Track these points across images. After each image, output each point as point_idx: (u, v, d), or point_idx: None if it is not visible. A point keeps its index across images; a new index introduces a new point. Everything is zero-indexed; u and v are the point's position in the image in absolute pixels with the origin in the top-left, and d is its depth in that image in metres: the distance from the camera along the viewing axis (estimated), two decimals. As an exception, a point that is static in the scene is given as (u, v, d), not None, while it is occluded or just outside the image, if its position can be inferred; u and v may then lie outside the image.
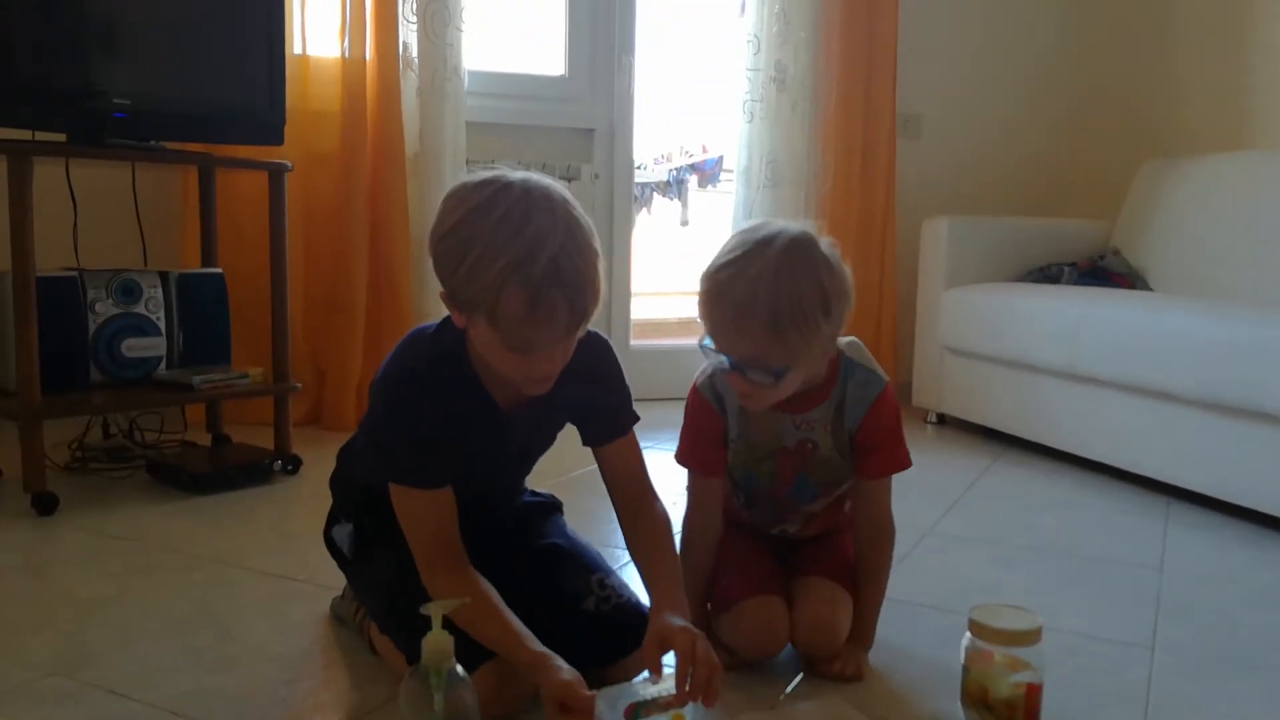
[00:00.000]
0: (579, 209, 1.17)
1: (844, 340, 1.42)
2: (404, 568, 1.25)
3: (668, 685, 1.11)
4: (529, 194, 1.13)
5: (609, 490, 1.40)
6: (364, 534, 1.40)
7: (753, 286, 1.22)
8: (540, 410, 1.32)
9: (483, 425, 1.29)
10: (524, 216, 1.11)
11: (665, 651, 1.17)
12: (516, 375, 1.19)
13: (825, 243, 1.28)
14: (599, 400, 1.36)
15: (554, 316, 1.11)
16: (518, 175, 1.15)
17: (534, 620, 1.27)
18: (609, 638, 1.30)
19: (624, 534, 1.38)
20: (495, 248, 1.09)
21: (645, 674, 1.16)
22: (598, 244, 1.17)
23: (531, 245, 1.09)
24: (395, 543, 1.27)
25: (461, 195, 1.15)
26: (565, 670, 1.14)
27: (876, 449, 1.41)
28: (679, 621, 1.20)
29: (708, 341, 1.30)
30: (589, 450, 1.39)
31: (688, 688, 1.12)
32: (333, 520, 1.47)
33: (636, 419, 1.39)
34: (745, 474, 1.46)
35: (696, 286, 1.29)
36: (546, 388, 1.22)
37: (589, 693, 1.12)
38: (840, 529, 1.54)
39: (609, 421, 1.37)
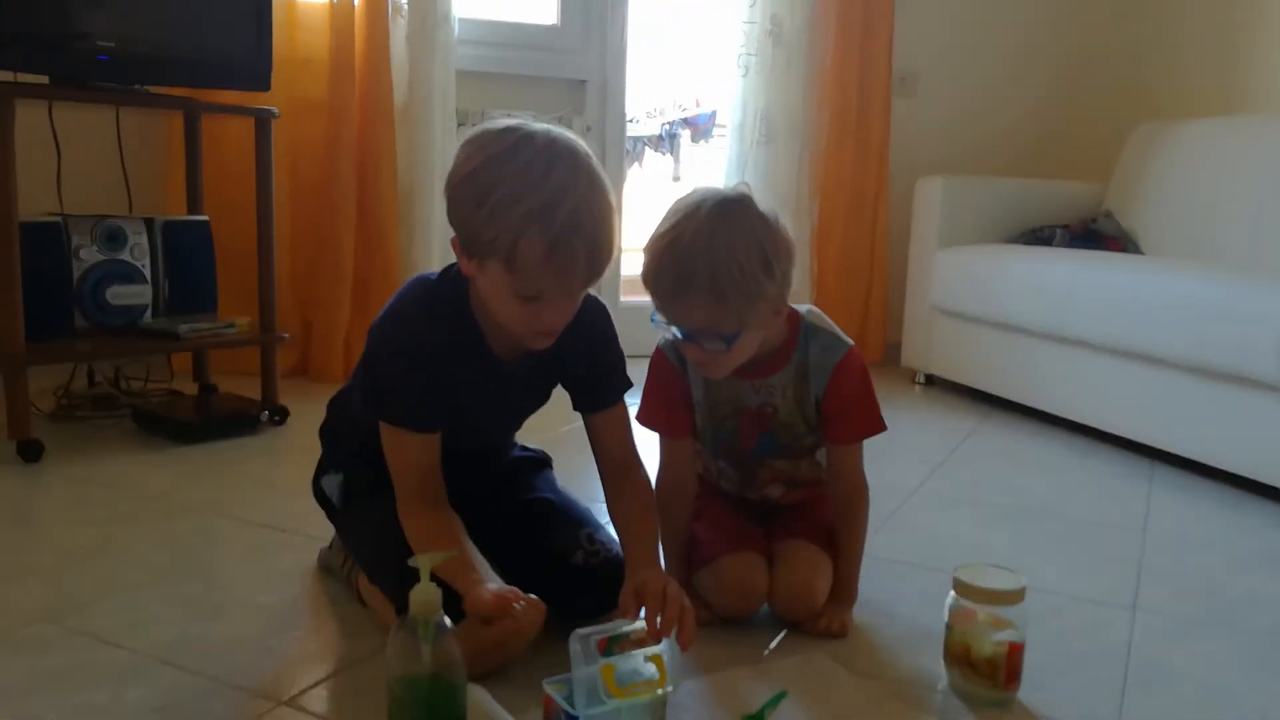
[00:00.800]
0: (599, 165, 1.17)
1: (803, 307, 1.41)
2: (394, 518, 1.26)
3: (643, 625, 1.12)
4: (553, 144, 1.14)
5: (595, 456, 1.40)
6: (353, 485, 1.40)
7: (689, 253, 1.21)
8: (538, 367, 1.32)
9: (480, 376, 1.29)
10: (548, 165, 1.11)
11: (641, 599, 1.18)
12: (522, 326, 1.19)
13: (761, 201, 1.27)
14: (595, 365, 1.35)
15: (572, 266, 1.12)
16: (540, 126, 1.16)
17: (523, 573, 1.29)
18: (597, 590, 1.31)
19: (606, 500, 1.38)
20: (518, 192, 1.10)
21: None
22: (615, 201, 1.17)
23: (555, 193, 1.10)
24: (385, 494, 1.28)
25: (482, 141, 1.16)
26: (482, 593, 1.15)
27: (843, 415, 1.39)
28: (654, 575, 1.22)
29: (656, 316, 1.29)
30: (575, 411, 1.39)
31: (658, 624, 1.13)
32: (321, 470, 1.47)
33: (629, 385, 1.39)
34: (713, 431, 1.46)
35: None
36: (549, 342, 1.22)
37: (509, 591, 1.15)
38: (821, 494, 1.55)
39: (601, 388, 1.37)
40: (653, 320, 1.30)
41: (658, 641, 1.10)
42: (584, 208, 1.11)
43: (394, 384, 1.24)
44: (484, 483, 1.42)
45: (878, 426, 1.42)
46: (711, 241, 1.20)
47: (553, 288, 1.14)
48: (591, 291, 1.29)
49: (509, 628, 1.15)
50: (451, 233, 1.19)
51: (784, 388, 1.39)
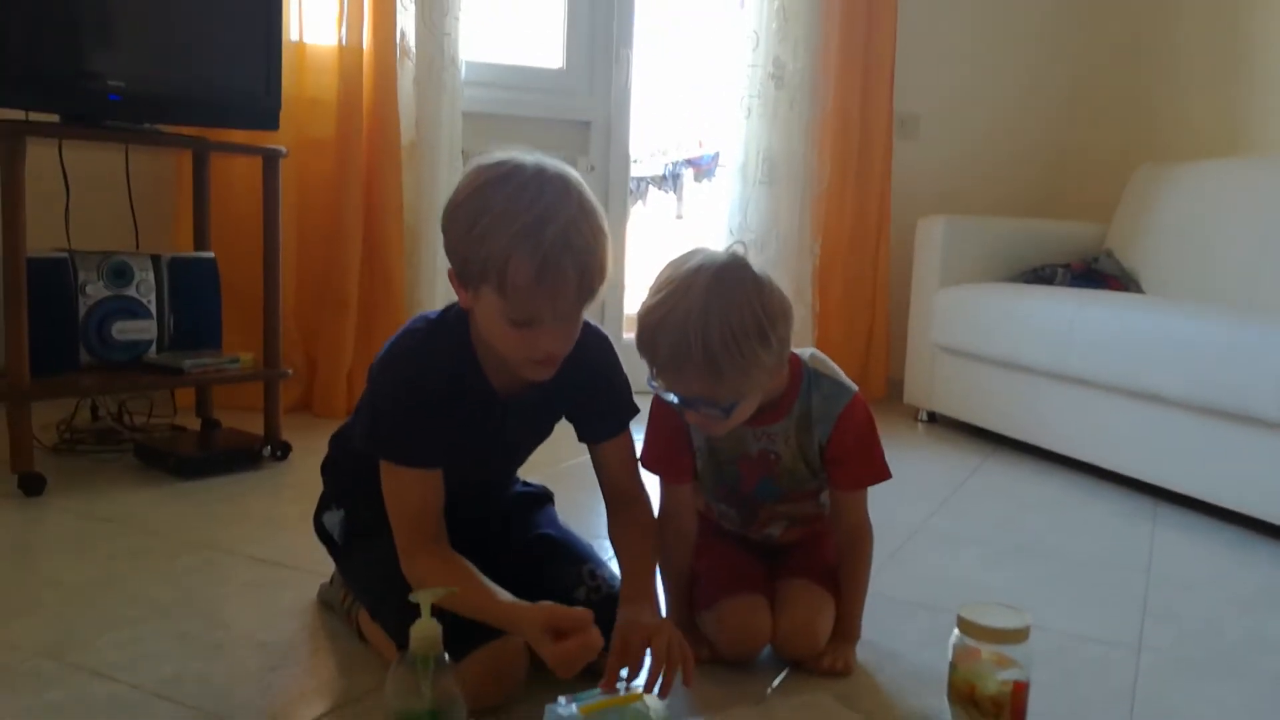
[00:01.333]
0: (590, 192, 1.18)
1: (805, 352, 1.40)
2: (396, 555, 1.26)
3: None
4: (543, 171, 1.15)
5: (600, 484, 1.40)
6: (355, 521, 1.40)
7: (683, 327, 1.19)
8: (538, 401, 1.32)
9: (479, 412, 1.29)
10: (538, 189, 1.13)
11: (624, 658, 1.18)
12: (519, 354, 1.19)
13: (755, 262, 1.26)
14: (597, 396, 1.36)
15: (562, 287, 1.12)
16: (531, 156, 1.17)
17: None
18: (599, 627, 1.30)
19: (609, 527, 1.38)
20: (508, 215, 1.11)
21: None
22: (607, 227, 1.18)
23: (544, 214, 1.11)
24: (387, 530, 1.27)
25: (476, 172, 1.18)
26: (541, 605, 1.16)
27: (847, 461, 1.39)
28: (646, 617, 1.21)
29: (653, 381, 1.28)
30: (580, 441, 1.39)
31: (639, 680, 1.14)
32: (323, 506, 1.47)
33: (635, 412, 1.39)
34: (714, 475, 1.45)
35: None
36: (550, 373, 1.22)
37: (580, 610, 1.15)
38: (824, 531, 1.54)
39: (605, 419, 1.37)
40: (649, 383, 1.30)
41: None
42: (573, 228, 1.12)
43: (393, 422, 1.24)
44: (485, 520, 1.42)
45: (882, 474, 1.41)
46: (706, 318, 1.18)
47: (546, 310, 1.14)
48: (592, 322, 1.30)
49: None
50: (449, 265, 1.20)
51: (786, 435, 1.38)
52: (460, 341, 1.26)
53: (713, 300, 1.19)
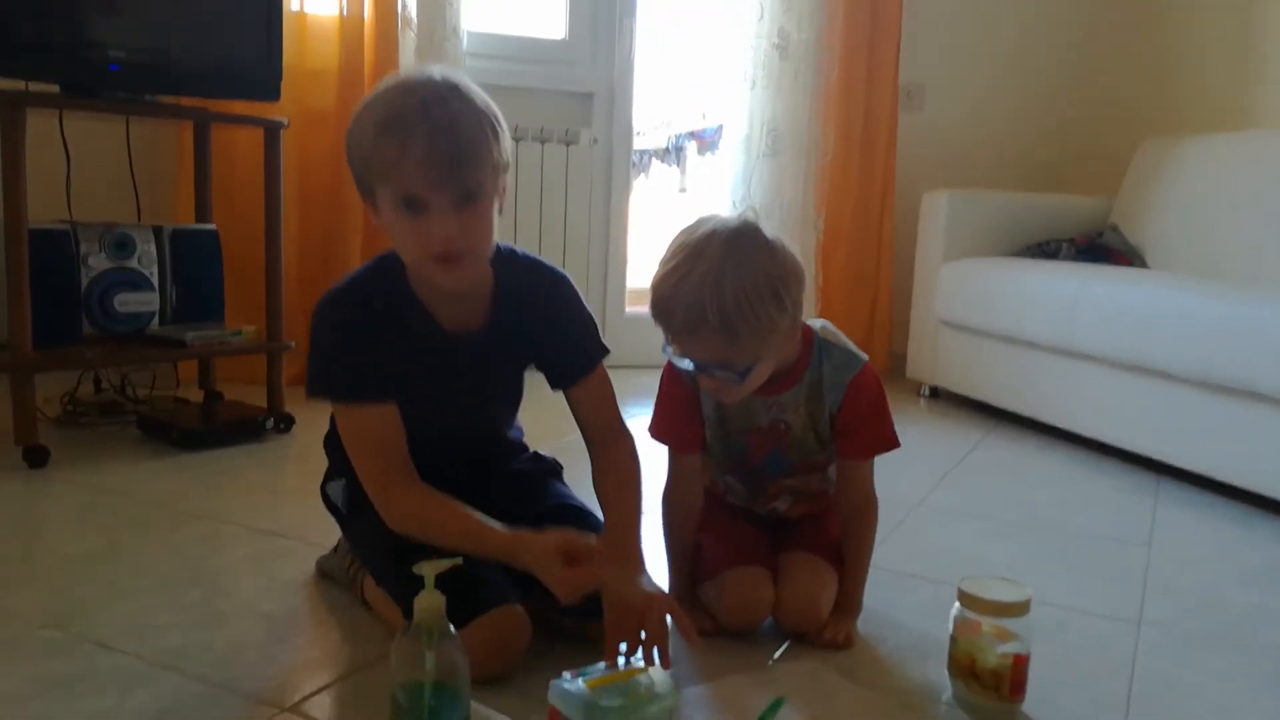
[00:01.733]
0: (478, 90, 1.21)
1: (817, 323, 1.41)
2: None
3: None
4: (426, 72, 1.21)
5: (581, 430, 1.40)
6: (356, 489, 1.40)
7: (698, 292, 1.19)
8: (494, 340, 1.33)
9: (425, 346, 1.29)
10: (406, 88, 1.18)
11: (624, 628, 1.18)
12: (419, 252, 1.20)
13: (767, 227, 1.26)
14: (560, 337, 1.36)
15: (431, 153, 1.13)
16: (434, 70, 1.22)
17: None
18: None
19: (592, 476, 1.39)
20: (374, 115, 1.17)
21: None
22: (496, 115, 1.22)
23: (403, 98, 1.16)
24: None
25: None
26: (547, 534, 1.18)
27: (857, 430, 1.39)
28: (631, 591, 1.22)
29: (668, 348, 1.29)
30: (554, 390, 1.40)
31: (637, 657, 1.17)
32: (328, 477, 1.48)
33: (605, 352, 1.39)
34: (722, 446, 1.45)
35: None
36: (457, 275, 1.21)
37: (591, 538, 1.17)
38: (829, 506, 1.54)
39: (572, 360, 1.37)
40: (664, 350, 1.30)
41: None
42: (434, 100, 1.15)
43: (334, 361, 1.25)
44: (489, 489, 1.42)
45: (891, 443, 1.41)
46: (720, 281, 1.19)
47: (421, 183, 1.15)
48: (557, 268, 1.35)
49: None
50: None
51: (796, 404, 1.38)
52: (396, 275, 1.28)
53: (726, 264, 1.20)
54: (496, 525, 1.22)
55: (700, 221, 1.27)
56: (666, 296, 1.23)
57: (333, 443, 1.48)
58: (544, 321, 1.35)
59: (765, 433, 1.41)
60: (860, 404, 1.38)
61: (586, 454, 1.41)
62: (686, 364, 1.28)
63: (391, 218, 1.20)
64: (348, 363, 1.25)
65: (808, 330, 1.38)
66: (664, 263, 1.26)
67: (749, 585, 1.38)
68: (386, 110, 1.16)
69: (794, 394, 1.38)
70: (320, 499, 1.49)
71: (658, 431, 1.44)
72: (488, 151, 1.19)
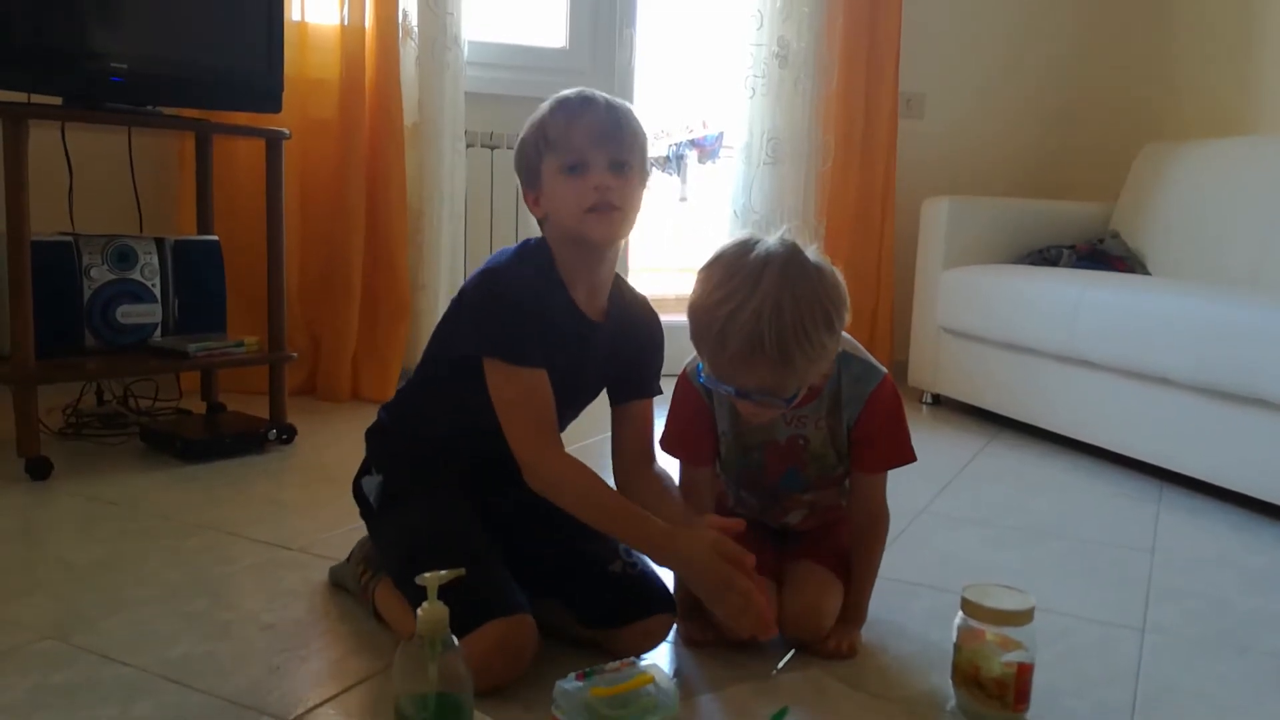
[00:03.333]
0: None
1: None
2: (430, 518, 1.31)
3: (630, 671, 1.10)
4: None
5: (616, 447, 1.45)
6: (391, 485, 1.41)
7: (756, 323, 1.17)
8: (613, 330, 1.39)
9: (568, 329, 1.35)
10: (573, 91, 1.34)
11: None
12: (577, 206, 1.28)
13: (811, 251, 1.26)
14: (648, 352, 1.45)
15: (597, 120, 1.28)
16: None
17: (560, 579, 1.34)
18: (631, 600, 1.33)
19: (619, 488, 1.40)
20: (549, 101, 1.34)
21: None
22: (647, 134, 1.36)
23: (575, 91, 1.33)
24: (420, 499, 1.33)
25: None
26: (700, 530, 1.24)
27: (873, 443, 1.38)
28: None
29: (704, 375, 1.28)
30: (599, 420, 1.43)
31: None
32: (363, 471, 1.48)
33: (660, 391, 1.46)
34: (738, 462, 1.45)
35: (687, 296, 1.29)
36: (608, 225, 1.29)
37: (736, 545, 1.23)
38: (840, 518, 1.54)
39: (641, 381, 1.44)
40: (700, 378, 1.31)
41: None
42: (600, 95, 1.32)
43: (504, 321, 1.29)
44: (519, 484, 1.42)
45: (907, 457, 1.40)
46: (779, 313, 1.17)
47: (584, 141, 1.28)
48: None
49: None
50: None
51: (817, 418, 1.38)
52: (546, 263, 1.35)
53: (784, 295, 1.18)
54: (654, 518, 1.27)
55: (743, 246, 1.25)
56: (720, 326, 1.20)
57: (378, 437, 1.48)
58: (645, 334, 1.45)
59: (784, 449, 1.41)
60: (877, 417, 1.37)
61: (592, 462, 1.41)
62: (727, 389, 1.26)
63: (553, 185, 1.31)
64: (515, 325, 1.29)
65: None
66: (710, 290, 1.23)
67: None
68: (560, 98, 1.33)
69: (815, 407, 1.37)
70: (351, 492, 1.49)
71: (670, 444, 1.44)
72: (638, 137, 1.33)
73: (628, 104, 1.35)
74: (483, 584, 1.15)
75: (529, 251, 1.36)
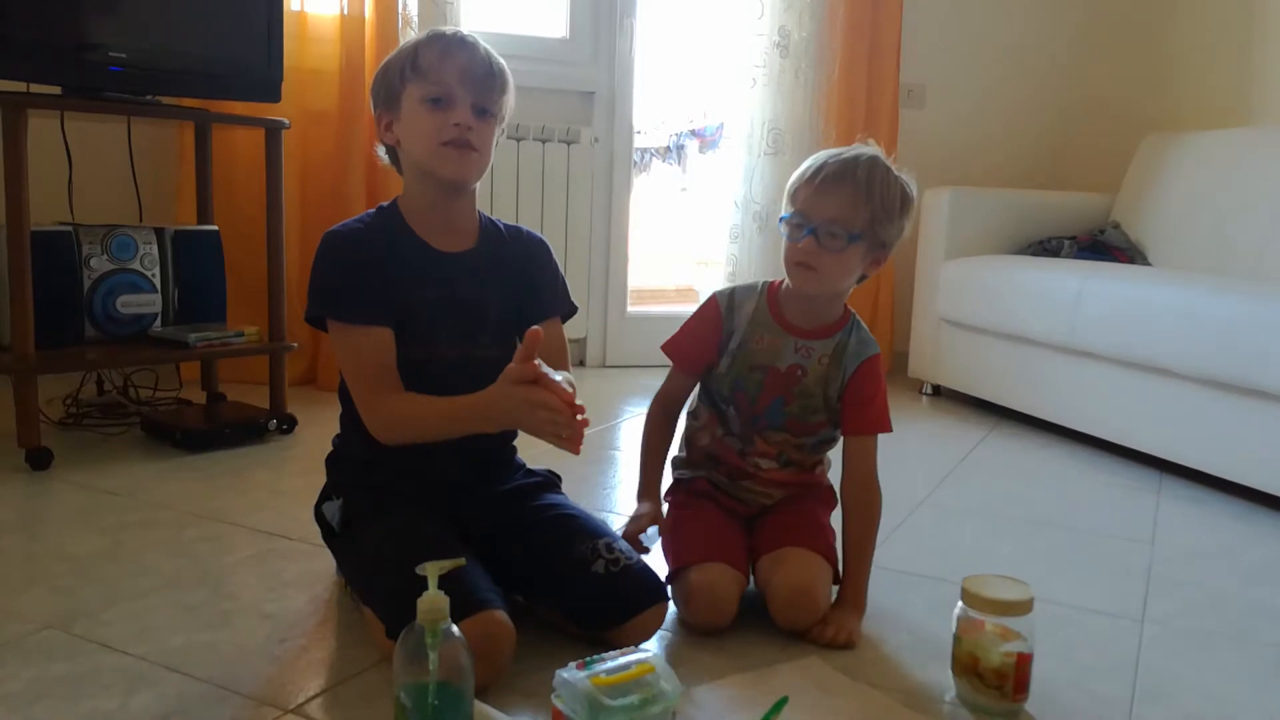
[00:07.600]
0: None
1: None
2: (389, 542, 1.28)
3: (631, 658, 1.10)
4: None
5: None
6: (350, 508, 1.40)
7: (855, 159, 1.40)
8: (479, 256, 1.41)
9: (420, 267, 1.37)
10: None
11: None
12: (435, 141, 1.32)
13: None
14: (536, 277, 1.46)
15: (471, 58, 1.33)
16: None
17: (544, 585, 1.32)
18: (619, 600, 1.31)
19: None
20: (420, 35, 1.37)
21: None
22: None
23: (449, 29, 1.36)
24: (381, 520, 1.32)
25: None
26: (499, 381, 1.22)
27: (860, 406, 1.48)
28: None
29: (785, 214, 1.43)
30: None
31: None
32: (324, 497, 1.48)
33: (572, 309, 1.49)
34: (733, 379, 1.50)
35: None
36: (464, 164, 1.34)
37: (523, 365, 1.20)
38: (813, 498, 1.56)
39: (545, 301, 1.46)
40: (781, 219, 1.45)
41: None
42: (472, 38, 1.36)
43: (333, 281, 1.33)
44: (488, 497, 1.43)
45: (887, 425, 1.50)
46: (874, 162, 1.40)
47: (454, 82, 1.32)
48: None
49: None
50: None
51: (823, 355, 1.49)
52: (391, 214, 1.39)
53: (879, 164, 1.42)
54: (465, 399, 1.27)
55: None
56: (821, 160, 1.41)
57: (334, 464, 1.49)
58: (525, 258, 1.47)
59: (783, 376, 1.49)
60: (866, 383, 1.49)
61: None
62: (801, 230, 1.40)
63: (412, 115, 1.34)
64: (345, 284, 1.33)
65: (847, 308, 1.53)
66: (818, 155, 1.44)
67: (713, 581, 1.37)
68: (438, 31, 1.36)
69: (824, 345, 1.49)
70: (314, 516, 1.49)
71: (670, 346, 1.55)
72: (506, 89, 1.38)
73: (504, 62, 1.39)
74: (449, 581, 1.15)
75: (380, 210, 1.42)
